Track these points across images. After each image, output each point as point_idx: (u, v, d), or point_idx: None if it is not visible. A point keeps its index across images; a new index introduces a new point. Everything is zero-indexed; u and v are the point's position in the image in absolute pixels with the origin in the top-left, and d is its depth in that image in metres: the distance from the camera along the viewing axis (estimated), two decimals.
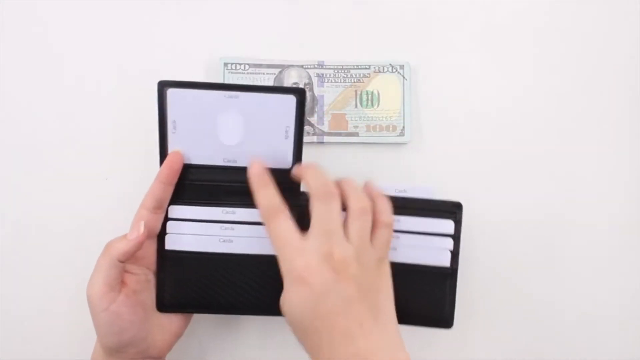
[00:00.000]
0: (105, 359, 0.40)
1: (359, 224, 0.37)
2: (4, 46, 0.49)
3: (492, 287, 0.49)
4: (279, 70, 0.49)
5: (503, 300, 0.49)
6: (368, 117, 0.49)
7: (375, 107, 0.49)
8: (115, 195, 0.48)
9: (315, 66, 0.49)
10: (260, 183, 0.38)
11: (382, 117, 0.49)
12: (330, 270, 0.35)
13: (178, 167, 0.41)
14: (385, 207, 0.39)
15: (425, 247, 0.42)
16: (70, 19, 0.49)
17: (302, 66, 0.49)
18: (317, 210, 0.37)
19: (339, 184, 0.39)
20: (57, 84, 0.49)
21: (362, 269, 0.36)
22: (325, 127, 0.49)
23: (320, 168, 0.39)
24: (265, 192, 0.38)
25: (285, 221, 0.37)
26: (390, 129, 0.49)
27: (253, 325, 0.49)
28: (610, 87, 0.51)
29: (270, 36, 0.50)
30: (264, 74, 0.49)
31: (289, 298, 0.35)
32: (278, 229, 0.37)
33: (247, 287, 0.42)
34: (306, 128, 0.49)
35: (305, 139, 0.49)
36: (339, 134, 0.49)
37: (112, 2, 0.50)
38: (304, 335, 0.36)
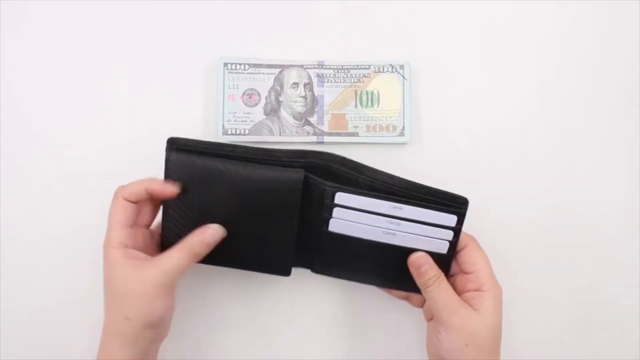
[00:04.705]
0: (122, 347, 0.40)
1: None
2: (4, 46, 0.49)
3: None
4: (279, 70, 0.49)
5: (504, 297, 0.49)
6: (368, 117, 0.49)
7: (375, 107, 0.49)
8: None
9: (315, 66, 0.49)
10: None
11: (382, 117, 0.49)
12: None
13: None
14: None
15: (425, 235, 0.42)
16: (70, 19, 0.49)
17: (302, 66, 0.49)
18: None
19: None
20: (57, 84, 0.49)
21: None
22: (325, 127, 0.49)
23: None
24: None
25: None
26: (390, 129, 0.49)
27: (251, 323, 0.49)
28: (610, 86, 0.51)
29: (270, 36, 0.50)
30: (264, 74, 0.49)
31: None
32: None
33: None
34: (306, 128, 0.49)
35: (305, 139, 0.49)
36: (339, 134, 0.49)
37: (112, 3, 0.50)
38: None
